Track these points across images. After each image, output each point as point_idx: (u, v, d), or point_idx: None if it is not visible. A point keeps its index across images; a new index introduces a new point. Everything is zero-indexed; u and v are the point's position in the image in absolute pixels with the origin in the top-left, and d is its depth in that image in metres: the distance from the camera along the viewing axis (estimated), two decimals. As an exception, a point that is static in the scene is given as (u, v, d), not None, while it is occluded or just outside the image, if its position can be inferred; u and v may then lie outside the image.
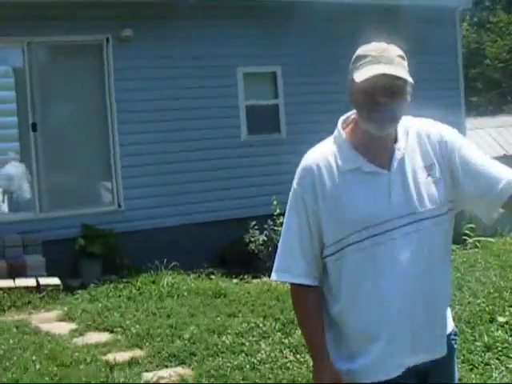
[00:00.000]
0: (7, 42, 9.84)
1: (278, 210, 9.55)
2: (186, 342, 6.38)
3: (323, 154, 2.54)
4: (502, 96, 28.08)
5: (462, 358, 5.51)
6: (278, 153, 10.80)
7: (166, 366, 5.94)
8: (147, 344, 6.44)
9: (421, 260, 2.47)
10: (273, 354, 5.99)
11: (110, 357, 6.11)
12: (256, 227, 10.14)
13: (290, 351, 6.07)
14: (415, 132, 2.56)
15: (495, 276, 8.11)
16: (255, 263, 9.68)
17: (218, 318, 7.08)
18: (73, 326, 7.19)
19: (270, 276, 2.68)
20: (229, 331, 6.62)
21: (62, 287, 8.40)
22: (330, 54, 10.87)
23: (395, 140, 2.52)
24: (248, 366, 5.77)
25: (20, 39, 9.56)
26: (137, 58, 10.15)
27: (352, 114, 2.59)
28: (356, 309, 2.50)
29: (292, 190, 2.58)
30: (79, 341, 6.64)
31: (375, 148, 2.51)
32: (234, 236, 10.12)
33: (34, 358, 6.03)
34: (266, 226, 10.09)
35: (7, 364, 5.91)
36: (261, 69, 11.18)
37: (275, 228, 9.73)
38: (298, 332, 6.05)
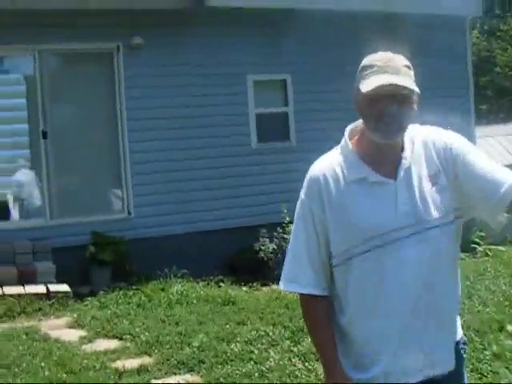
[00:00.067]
0: (19, 50, 9.91)
1: (287, 218, 9.52)
2: (195, 349, 6.38)
3: (330, 164, 2.55)
4: (512, 104, 28.03)
5: (471, 366, 5.48)
6: (288, 160, 10.79)
7: (175, 374, 5.94)
8: (156, 351, 6.44)
9: (428, 269, 2.47)
10: (282, 362, 5.98)
11: (119, 364, 6.13)
12: (266, 235, 10.15)
13: (299, 359, 6.05)
14: (421, 140, 2.56)
15: (505, 285, 8.08)
16: (265, 271, 9.67)
17: (227, 326, 7.07)
18: (82, 332, 7.20)
19: (279, 284, 2.69)
20: (238, 339, 6.61)
21: (71, 294, 8.42)
22: (340, 62, 10.87)
23: (402, 149, 2.52)
24: (257, 374, 5.76)
25: (31, 47, 9.62)
26: (147, 65, 10.19)
27: (359, 123, 2.59)
28: (364, 319, 2.50)
29: (299, 200, 2.60)
30: (88, 348, 6.66)
31: (381, 157, 2.51)
32: (244, 244, 10.11)
33: (43, 364, 6.05)
34: (275, 234, 10.08)
35: (16, 370, 5.93)
36: (271, 76, 11.19)
37: (285, 236, 9.70)
38: (307, 340, 6.05)
